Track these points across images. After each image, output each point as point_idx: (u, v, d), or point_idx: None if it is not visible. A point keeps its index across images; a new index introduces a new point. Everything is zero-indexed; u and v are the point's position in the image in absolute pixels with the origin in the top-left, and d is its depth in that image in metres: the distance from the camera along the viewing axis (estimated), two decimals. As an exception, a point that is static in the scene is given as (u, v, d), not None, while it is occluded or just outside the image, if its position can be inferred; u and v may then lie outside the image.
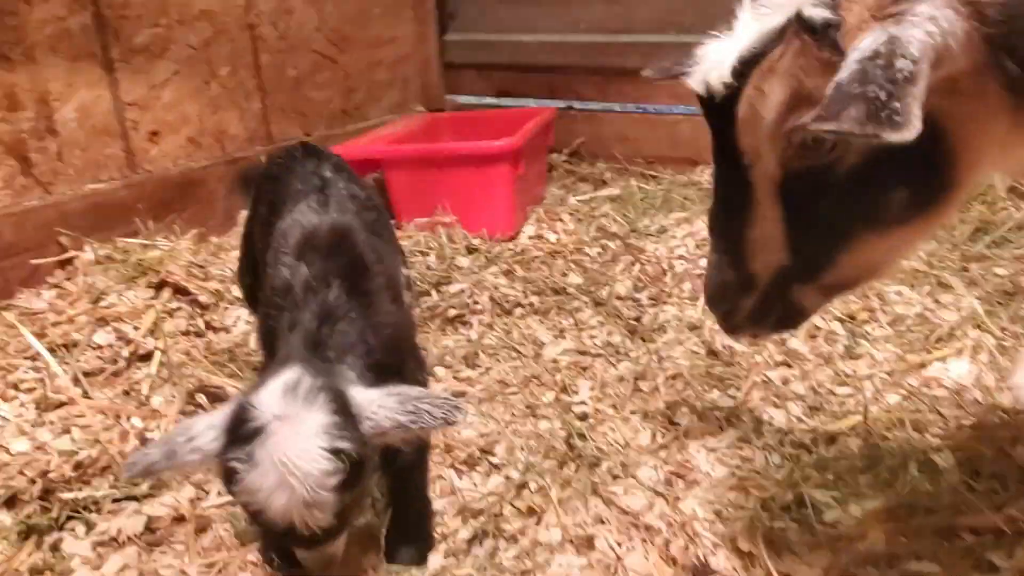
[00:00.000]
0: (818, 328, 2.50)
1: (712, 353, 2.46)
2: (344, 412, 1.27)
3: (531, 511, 1.83)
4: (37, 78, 2.71)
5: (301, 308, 1.56)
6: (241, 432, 1.28)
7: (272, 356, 1.72)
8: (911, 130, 0.92)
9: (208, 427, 1.34)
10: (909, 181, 1.15)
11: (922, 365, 2.25)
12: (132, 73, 2.99)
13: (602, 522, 1.75)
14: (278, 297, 1.64)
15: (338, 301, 1.57)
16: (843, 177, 1.14)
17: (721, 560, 1.60)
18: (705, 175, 3.67)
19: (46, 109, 2.75)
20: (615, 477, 1.94)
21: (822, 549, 1.58)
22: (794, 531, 1.65)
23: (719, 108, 1.19)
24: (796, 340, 2.47)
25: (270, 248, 1.72)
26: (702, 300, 2.76)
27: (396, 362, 1.65)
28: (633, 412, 2.24)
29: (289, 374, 1.33)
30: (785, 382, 2.25)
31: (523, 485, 1.92)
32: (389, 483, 1.77)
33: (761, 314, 1.33)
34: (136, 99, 3.03)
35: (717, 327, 2.52)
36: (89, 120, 2.89)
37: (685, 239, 3.11)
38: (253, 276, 2.02)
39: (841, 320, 2.51)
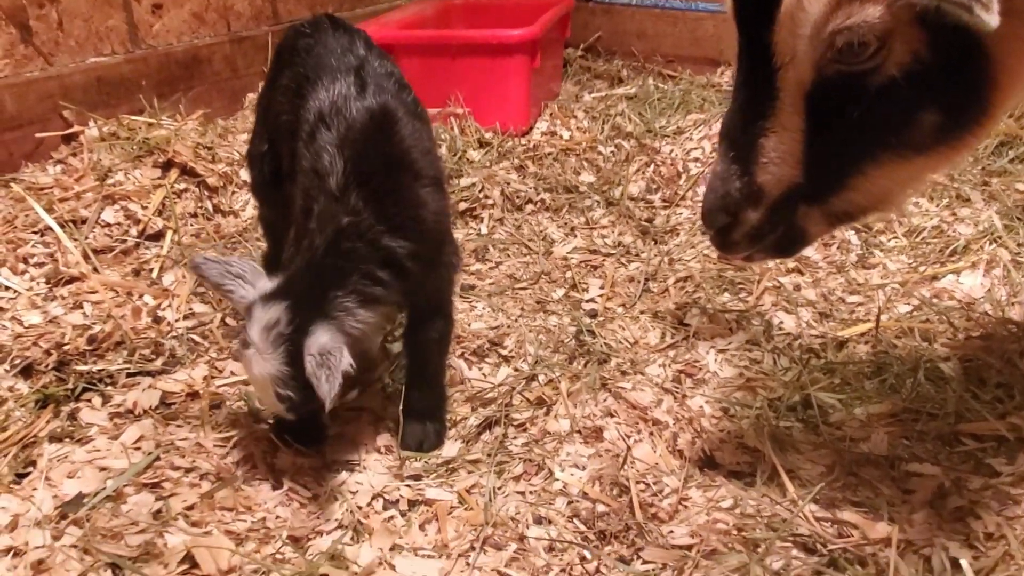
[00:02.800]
0: (833, 236, 2.49)
1: (724, 257, 2.45)
2: (293, 362, 1.44)
3: (540, 402, 1.86)
4: (35, -60, 2.58)
5: (336, 201, 1.53)
6: (247, 323, 1.50)
7: (287, 227, 1.73)
8: (995, 19, 0.88)
9: (244, 296, 1.53)
10: (943, 102, 1.10)
11: (935, 277, 2.25)
12: (134, -61, 2.84)
13: (611, 415, 1.78)
14: (308, 180, 1.60)
15: (376, 197, 1.54)
16: (876, 90, 1.09)
17: (727, 455, 1.64)
18: (725, 77, 3.56)
19: (45, -27, 2.62)
20: (624, 373, 1.97)
21: (826, 448, 1.62)
22: (799, 431, 1.69)
23: (757, 2, 1.11)
24: (809, 248, 2.46)
25: (301, 126, 1.66)
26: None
27: (435, 250, 1.65)
28: (642, 312, 2.25)
29: (272, 312, 1.47)
30: (797, 288, 2.25)
31: (532, 377, 1.95)
32: (407, 367, 1.78)
33: (760, 234, 1.24)
34: (138, -33, 2.89)
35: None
36: (90, -12, 2.76)
37: (701, 141, 3.04)
38: (272, 150, 1.92)
39: (856, 230, 2.49)
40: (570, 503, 1.54)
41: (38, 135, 2.61)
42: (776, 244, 1.28)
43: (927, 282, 2.23)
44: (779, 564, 1.33)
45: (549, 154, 3.06)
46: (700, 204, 2.74)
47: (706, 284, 2.32)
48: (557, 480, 1.59)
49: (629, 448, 1.61)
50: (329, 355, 1.40)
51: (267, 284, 1.53)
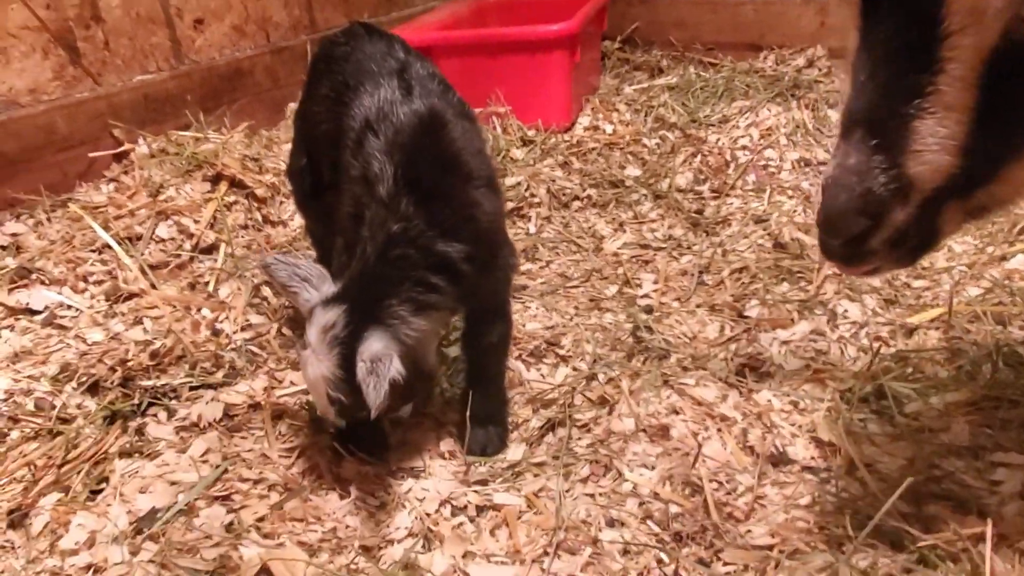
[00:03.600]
0: (892, 220, 2.41)
1: (779, 246, 2.40)
2: (346, 365, 1.43)
3: (602, 401, 1.83)
4: (79, -39, 2.62)
5: (386, 207, 1.51)
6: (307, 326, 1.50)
7: (333, 238, 1.72)
8: None
9: (308, 299, 1.53)
10: None
11: (1003, 258, 2.17)
12: (174, -44, 2.88)
13: (676, 412, 1.75)
14: (357, 188, 1.59)
15: (427, 201, 1.51)
16: None
17: (800, 450, 1.59)
18: (768, 62, 3.50)
19: (90, -6, 2.67)
20: (685, 369, 1.93)
21: (904, 440, 1.57)
22: (874, 422, 1.63)
23: None
24: (868, 233, 2.39)
25: (345, 134, 1.65)
26: (768, 192, 2.69)
27: (490, 252, 1.62)
28: (699, 305, 2.21)
29: (330, 315, 1.46)
30: (859, 275, 2.18)
31: (592, 376, 1.92)
32: (467, 371, 1.77)
33: (902, 239, 1.03)
34: (179, -16, 2.93)
35: (786, 221, 2.50)
36: (134, 7, 2.80)
37: (749, 129, 2.98)
38: (311, 162, 1.92)
39: (916, 212, 2.41)
40: (642, 504, 1.51)
41: (90, 155, 2.66)
42: (910, 251, 1.08)
43: (996, 263, 2.15)
44: (866, 562, 1.29)
45: (593, 149, 3.03)
46: (750, 193, 2.72)
47: (763, 274, 2.26)
48: (627, 481, 1.57)
49: (700, 446, 1.57)
50: (379, 362, 1.38)
51: (329, 288, 1.52)
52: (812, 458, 1.58)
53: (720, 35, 3.65)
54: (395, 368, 1.37)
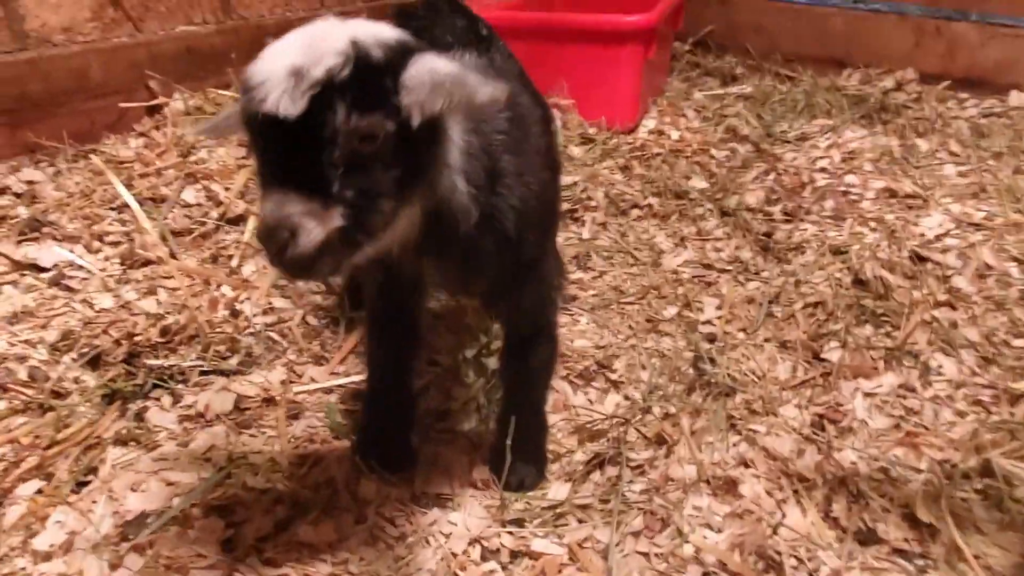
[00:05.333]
0: (989, 267, 2.17)
1: (860, 283, 2.16)
2: None
3: (660, 440, 1.61)
4: None
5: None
6: None
7: None
8: None
9: None
10: None
11: (1120, 324, 1.92)
12: (232, -99, 2.68)
13: (745, 464, 1.53)
14: None
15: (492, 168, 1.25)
16: None
17: (892, 529, 1.37)
18: (853, 79, 3.24)
19: (140, -66, 2.48)
20: (753, 412, 1.71)
21: (1018, 532, 1.33)
22: (980, 505, 1.40)
23: None
24: (962, 278, 2.15)
25: None
26: (848, 222, 2.45)
27: (535, 255, 1.39)
28: (767, 339, 1.98)
29: None
30: (953, 325, 1.94)
31: (647, 409, 1.71)
32: (505, 386, 1.55)
33: None
34: (234, -67, 2.73)
35: (868, 255, 2.26)
36: (184, -48, 2.61)
37: (829, 150, 2.74)
38: None
39: (1017, 260, 2.17)
40: (706, 574, 1.29)
41: (121, 105, 2.47)
42: None
43: (1111, 329, 1.91)
44: None
45: (657, 155, 2.80)
46: (828, 220, 2.48)
47: (841, 313, 2.03)
48: (688, 543, 1.35)
49: (783, 513, 1.35)
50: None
51: None
52: (906, 540, 1.35)
53: (801, 46, 3.39)
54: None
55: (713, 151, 2.85)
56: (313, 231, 0.95)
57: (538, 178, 1.31)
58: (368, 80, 0.97)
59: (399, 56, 1.01)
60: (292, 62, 0.94)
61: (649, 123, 3.02)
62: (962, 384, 1.74)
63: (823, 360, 1.87)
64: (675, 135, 2.94)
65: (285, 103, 0.93)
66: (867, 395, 1.74)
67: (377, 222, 1.02)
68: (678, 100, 3.20)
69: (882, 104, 2.96)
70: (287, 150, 0.96)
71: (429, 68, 1.01)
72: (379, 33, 1.03)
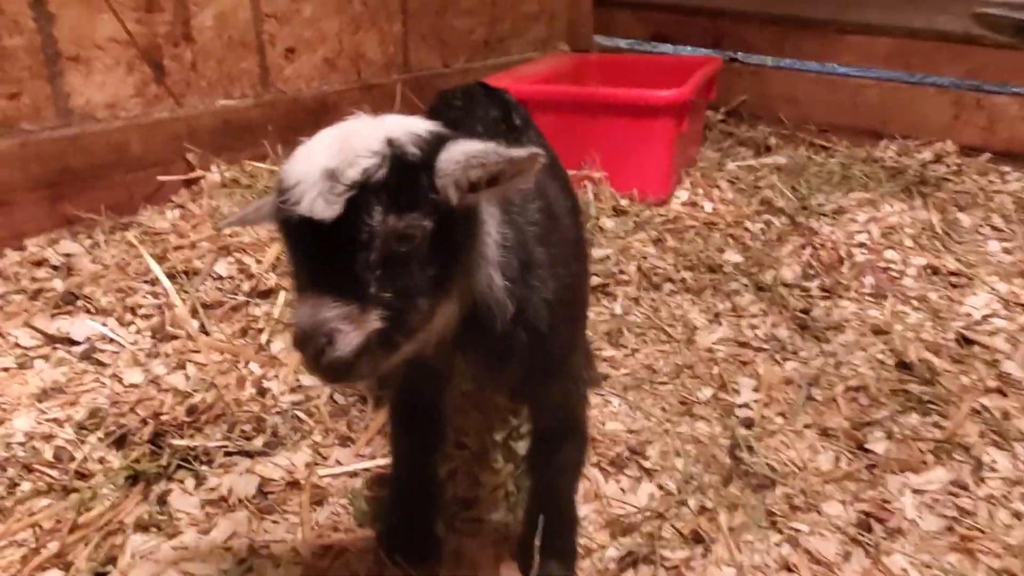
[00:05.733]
0: (1041, 353, 2.08)
1: (904, 366, 2.08)
2: None
3: (696, 537, 1.54)
4: (177, -22, 2.52)
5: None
6: None
7: None
8: None
9: None
10: None
11: None
12: (274, -19, 2.77)
13: (788, 569, 1.45)
14: None
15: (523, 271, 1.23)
16: None
17: (950, 648, 1.27)
18: (890, 151, 3.20)
19: (184, 13, 2.56)
20: (794, 508, 1.63)
21: (1088, 656, 1.23)
22: (1044, 623, 1.31)
23: None
24: (1012, 364, 2.06)
25: None
26: (889, 300, 2.38)
27: (566, 349, 1.35)
28: (807, 426, 1.90)
29: None
30: (1005, 415, 1.86)
31: (683, 502, 1.63)
32: (533, 480, 1.50)
33: None
34: (276, 11, 2.81)
35: (912, 337, 2.19)
36: (227, 30, 2.69)
37: (867, 224, 2.68)
38: None
39: (1070, 346, 2.08)
40: None
41: (160, 178, 2.52)
42: None
43: None
44: None
45: (690, 227, 2.77)
46: (868, 298, 2.42)
47: (886, 399, 1.95)
48: (728, 658, 1.27)
49: (829, 633, 1.27)
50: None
51: None
52: (965, 661, 1.26)
53: (836, 117, 3.37)
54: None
55: (747, 224, 2.81)
56: (351, 336, 0.93)
57: (569, 270, 1.29)
58: (404, 178, 0.96)
59: (434, 148, 1.00)
60: (326, 164, 0.93)
61: (682, 195, 3.00)
62: (1018, 482, 1.65)
63: (867, 451, 1.79)
64: (708, 207, 2.91)
65: (320, 206, 0.92)
66: (916, 492, 1.65)
67: (415, 321, 1.00)
68: (711, 171, 3.18)
69: (921, 177, 2.91)
70: (322, 253, 0.94)
71: (461, 148, 1.00)
72: (413, 128, 1.01)
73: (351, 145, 0.95)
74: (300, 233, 0.94)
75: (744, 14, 3.53)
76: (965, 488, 1.64)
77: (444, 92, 1.70)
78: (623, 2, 3.93)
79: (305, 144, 0.99)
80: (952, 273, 2.45)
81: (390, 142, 0.96)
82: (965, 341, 2.15)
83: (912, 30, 3.16)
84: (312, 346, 0.92)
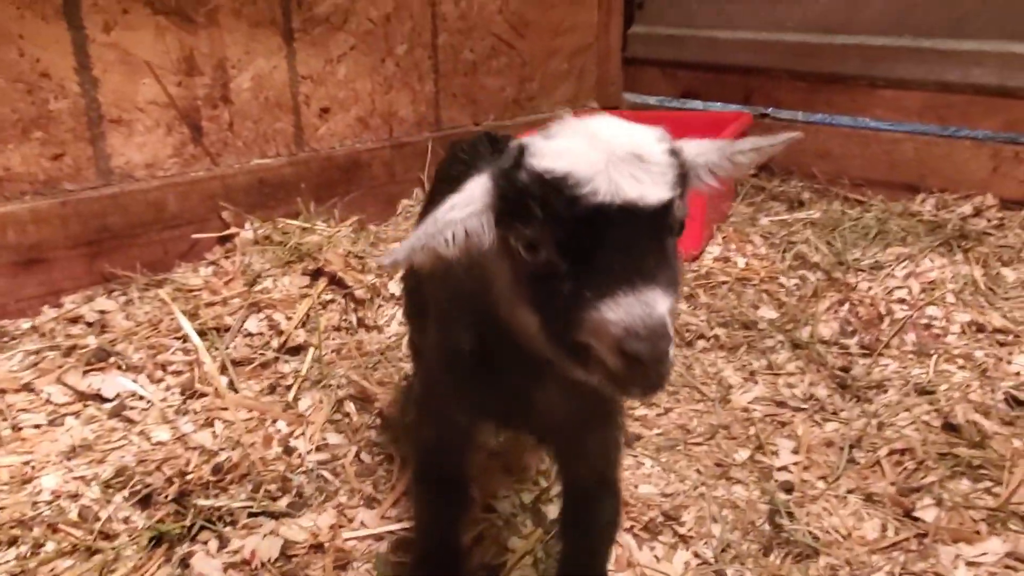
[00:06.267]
0: (1095, 413, 1.98)
1: (951, 428, 1.99)
2: None
3: (735, 612, 1.46)
4: (217, 43, 2.59)
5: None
6: None
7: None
8: None
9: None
10: None
11: None
12: (310, 44, 2.84)
13: (834, 647, 1.36)
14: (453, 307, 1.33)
15: None
16: None
17: None
18: (928, 205, 3.14)
19: (223, 76, 2.63)
20: (840, 580, 1.54)
21: None
22: None
23: None
24: (1063, 425, 1.96)
25: None
26: (933, 358, 2.30)
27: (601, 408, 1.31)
28: (850, 491, 1.82)
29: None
30: (1063, 483, 1.76)
31: (721, 572, 1.56)
32: (564, 544, 1.44)
33: None
34: (311, 72, 2.88)
35: (958, 397, 2.10)
36: (263, 91, 2.76)
37: (907, 280, 2.61)
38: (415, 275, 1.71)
39: None
40: None
41: (194, 235, 2.56)
42: None
43: None
44: None
45: (723, 283, 2.73)
46: (910, 356, 2.33)
47: (933, 463, 1.86)
48: None
49: None
50: None
51: None
52: None
53: (870, 171, 3.33)
54: None
55: (782, 279, 2.76)
56: (670, 332, 0.84)
57: None
58: (679, 163, 0.95)
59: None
60: (625, 150, 0.89)
61: (714, 250, 2.96)
62: (1081, 554, 1.55)
63: (916, 519, 1.70)
64: (741, 262, 2.87)
65: (650, 190, 0.87)
66: (970, 564, 1.56)
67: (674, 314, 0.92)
68: (744, 226, 3.15)
69: (961, 231, 2.84)
70: (640, 239, 0.87)
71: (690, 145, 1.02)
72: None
73: (627, 136, 0.92)
74: (611, 222, 0.87)
75: (774, 70, 3.53)
76: (1023, 560, 1.55)
77: (453, 143, 1.72)
78: (652, 60, 3.96)
79: (540, 145, 0.92)
80: (998, 330, 2.36)
81: (662, 132, 0.96)
82: (1015, 402, 2.06)
83: (945, 83, 3.13)
84: (663, 346, 0.82)
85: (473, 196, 0.99)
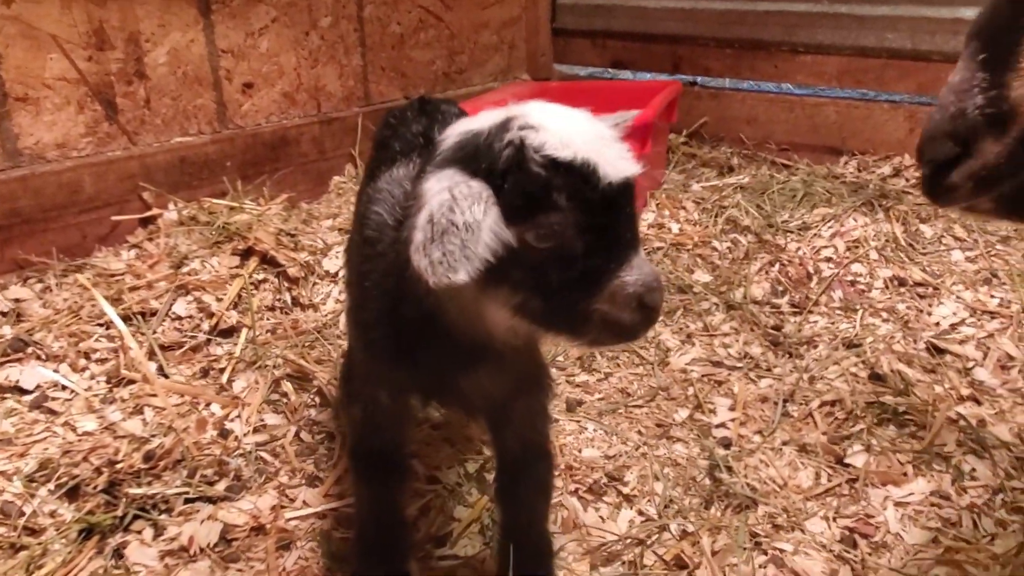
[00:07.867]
0: (1011, 358, 2.09)
1: (877, 378, 2.07)
2: None
3: (679, 563, 1.50)
4: (129, 15, 2.47)
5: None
6: None
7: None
8: None
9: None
10: None
11: None
12: (229, 17, 2.73)
13: (774, 590, 1.41)
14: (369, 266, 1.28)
15: None
16: None
17: (944, 664, 1.24)
18: (850, 167, 3.23)
19: (136, 50, 2.51)
20: (777, 527, 1.59)
21: (1083, 665, 1.20)
22: (1037, 633, 1.28)
23: None
24: (983, 371, 2.06)
25: (358, 212, 1.42)
26: (859, 313, 2.37)
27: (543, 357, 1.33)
28: (785, 443, 1.88)
29: None
30: (981, 423, 1.85)
31: (664, 527, 1.59)
32: (502, 511, 1.44)
33: (993, 178, 0.93)
34: (232, 46, 2.77)
35: (883, 348, 2.18)
36: (181, 66, 2.64)
37: (833, 239, 2.69)
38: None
39: (1039, 351, 2.09)
40: None
41: (114, 218, 2.45)
42: (1007, 201, 0.96)
43: None
44: None
45: (658, 249, 2.76)
46: (838, 312, 2.41)
47: (861, 412, 1.93)
48: None
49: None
50: None
51: None
52: (960, 677, 1.22)
53: (795, 136, 3.41)
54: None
55: (715, 243, 2.81)
56: None
57: None
58: None
59: None
60: (597, 134, 0.99)
61: (648, 217, 2.99)
62: (999, 489, 1.63)
63: (847, 465, 1.77)
64: (675, 228, 2.91)
65: (631, 166, 0.98)
66: (898, 504, 1.63)
67: None
68: (676, 192, 3.19)
69: (882, 191, 2.94)
70: (632, 210, 1.00)
71: None
72: None
73: (583, 118, 1.03)
74: (617, 199, 0.98)
75: (701, 38, 3.57)
76: (947, 498, 1.62)
77: (390, 111, 1.69)
78: (582, 31, 3.96)
79: (540, 132, 0.97)
80: (918, 284, 2.46)
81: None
82: (936, 350, 2.15)
83: (861, 48, 3.22)
84: (663, 291, 1.00)
85: (474, 201, 0.95)
